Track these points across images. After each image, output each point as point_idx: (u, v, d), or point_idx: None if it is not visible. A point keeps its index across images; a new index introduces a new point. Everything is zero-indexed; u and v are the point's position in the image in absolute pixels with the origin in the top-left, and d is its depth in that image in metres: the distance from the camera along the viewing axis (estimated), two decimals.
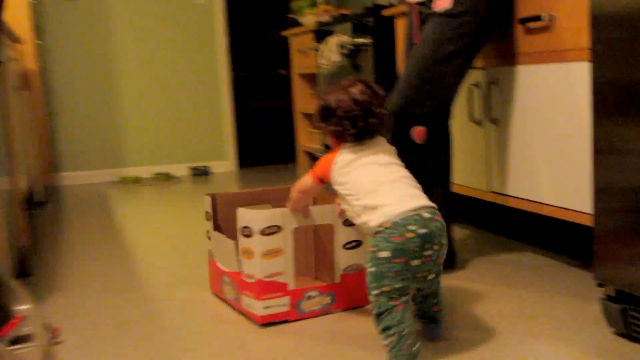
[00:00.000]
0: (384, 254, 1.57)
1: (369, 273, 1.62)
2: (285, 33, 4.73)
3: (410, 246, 1.56)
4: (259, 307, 1.90)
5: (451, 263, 2.36)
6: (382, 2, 3.68)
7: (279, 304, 1.92)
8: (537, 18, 2.20)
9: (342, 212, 1.92)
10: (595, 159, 1.71)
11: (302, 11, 4.53)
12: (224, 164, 5.43)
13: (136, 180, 5.02)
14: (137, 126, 5.17)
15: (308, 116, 4.60)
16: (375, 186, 1.67)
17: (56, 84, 4.91)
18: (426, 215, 1.61)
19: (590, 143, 1.72)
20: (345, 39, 3.44)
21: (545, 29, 2.22)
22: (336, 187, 1.77)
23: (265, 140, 7.42)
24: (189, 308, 2.15)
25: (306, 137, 4.63)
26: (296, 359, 1.72)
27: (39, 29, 4.73)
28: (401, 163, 1.80)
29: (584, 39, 2.06)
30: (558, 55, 2.18)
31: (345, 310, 2.03)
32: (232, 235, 2.05)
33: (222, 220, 2.22)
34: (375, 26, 3.23)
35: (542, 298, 2.06)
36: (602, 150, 1.69)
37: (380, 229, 1.60)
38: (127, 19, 5.04)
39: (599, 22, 1.67)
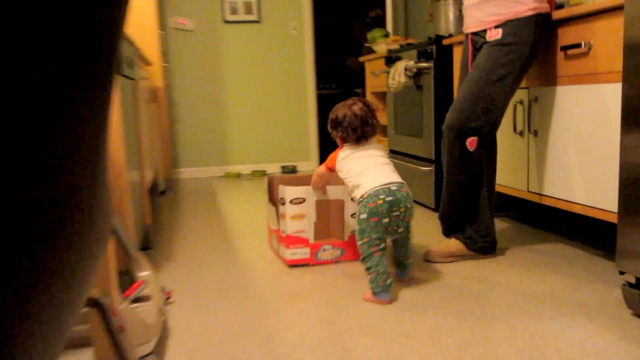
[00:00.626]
0: (363, 215, 1.92)
1: (356, 230, 1.98)
2: (362, 59, 4.72)
3: (380, 209, 1.89)
4: (287, 253, 2.31)
5: (492, 250, 2.32)
6: (442, 33, 3.63)
7: (302, 252, 2.32)
8: (578, 45, 2.13)
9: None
10: (622, 162, 1.66)
11: (376, 40, 4.51)
12: (308, 163, 5.48)
13: (237, 176, 5.13)
14: (240, 132, 5.28)
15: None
16: (362, 170, 2.00)
17: (177, 97, 5.08)
18: (394, 187, 1.93)
19: (619, 148, 1.67)
20: (411, 63, 3.40)
21: (583, 55, 2.14)
22: (339, 174, 2.12)
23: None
24: (272, 277, 2.20)
25: None
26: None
27: (165, 54, 4.90)
28: (385, 154, 2.11)
29: (618, 64, 1.98)
30: (593, 78, 2.10)
31: (351, 261, 2.36)
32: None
33: (274, 196, 2.56)
34: (436, 53, 3.20)
35: (571, 282, 2.00)
36: (628, 154, 1.63)
37: (361, 199, 1.94)
38: (234, 46, 5.15)
39: (632, 49, 1.61)
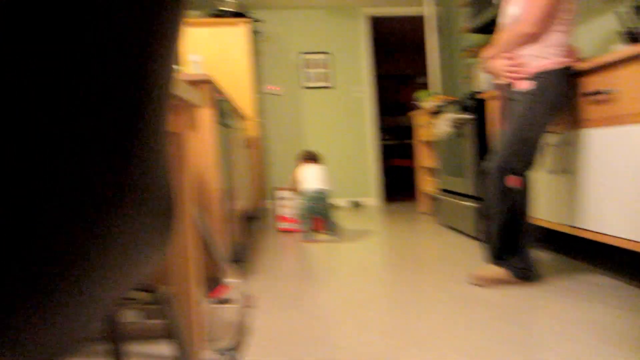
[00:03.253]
0: (301, 201, 3.12)
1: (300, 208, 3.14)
2: (411, 113, 4.55)
3: (308, 199, 3.07)
4: (280, 225, 3.52)
5: (532, 277, 2.03)
6: (476, 90, 3.41)
7: (286, 225, 3.52)
8: (602, 92, 1.88)
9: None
10: None
11: (422, 99, 4.34)
12: (371, 199, 5.30)
13: None
14: None
15: (427, 169, 4.36)
16: (306, 178, 3.16)
17: (269, 145, 5.08)
18: (318, 189, 3.09)
19: None
20: (454, 116, 3.20)
21: (607, 100, 1.89)
22: (298, 178, 3.24)
23: (398, 184, 7.21)
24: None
25: (424, 183, 4.38)
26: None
27: (259, 111, 4.93)
28: (321, 171, 3.23)
29: None
30: (619, 120, 1.84)
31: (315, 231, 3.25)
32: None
33: (275, 197, 3.64)
34: (474, 107, 2.98)
35: (609, 311, 1.68)
36: None
37: (303, 192, 3.12)
38: (313, 104, 5.13)
39: None
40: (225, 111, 2.23)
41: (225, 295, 1.47)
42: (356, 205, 5.12)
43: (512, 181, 1.97)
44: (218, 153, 1.94)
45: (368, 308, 1.77)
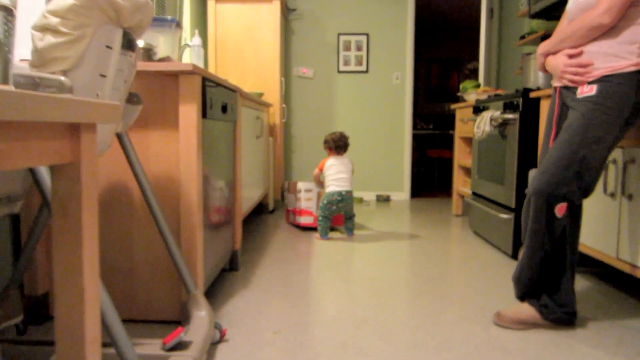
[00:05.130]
0: (325, 201, 2.92)
1: (319, 207, 2.95)
2: (453, 106, 4.10)
3: (334, 200, 2.90)
4: (301, 220, 3.15)
5: (570, 322, 1.65)
6: (530, 85, 2.96)
7: (309, 219, 3.14)
8: None
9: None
10: None
11: (467, 90, 3.88)
12: (401, 193, 4.92)
13: None
14: None
15: (464, 169, 3.93)
16: (332, 177, 2.93)
17: (294, 132, 4.77)
18: (343, 192, 2.91)
19: None
20: (497, 114, 2.78)
21: None
22: (324, 173, 2.98)
23: (431, 179, 6.75)
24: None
25: (460, 182, 3.96)
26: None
27: (284, 97, 4.62)
28: (350, 166, 2.99)
29: None
30: None
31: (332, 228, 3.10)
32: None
33: (293, 189, 3.26)
34: (522, 105, 2.55)
35: None
36: None
37: (328, 192, 2.92)
38: (345, 91, 4.75)
39: None
40: (219, 102, 1.93)
41: (178, 339, 1.19)
42: (385, 199, 4.75)
43: (562, 210, 1.57)
44: (201, 153, 1.65)
45: (369, 350, 1.46)
